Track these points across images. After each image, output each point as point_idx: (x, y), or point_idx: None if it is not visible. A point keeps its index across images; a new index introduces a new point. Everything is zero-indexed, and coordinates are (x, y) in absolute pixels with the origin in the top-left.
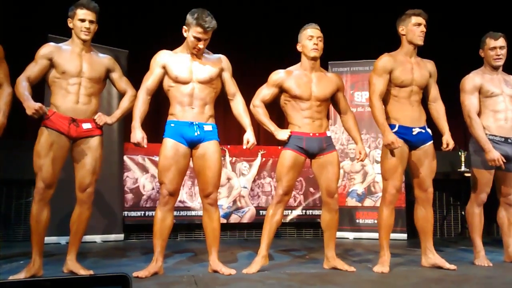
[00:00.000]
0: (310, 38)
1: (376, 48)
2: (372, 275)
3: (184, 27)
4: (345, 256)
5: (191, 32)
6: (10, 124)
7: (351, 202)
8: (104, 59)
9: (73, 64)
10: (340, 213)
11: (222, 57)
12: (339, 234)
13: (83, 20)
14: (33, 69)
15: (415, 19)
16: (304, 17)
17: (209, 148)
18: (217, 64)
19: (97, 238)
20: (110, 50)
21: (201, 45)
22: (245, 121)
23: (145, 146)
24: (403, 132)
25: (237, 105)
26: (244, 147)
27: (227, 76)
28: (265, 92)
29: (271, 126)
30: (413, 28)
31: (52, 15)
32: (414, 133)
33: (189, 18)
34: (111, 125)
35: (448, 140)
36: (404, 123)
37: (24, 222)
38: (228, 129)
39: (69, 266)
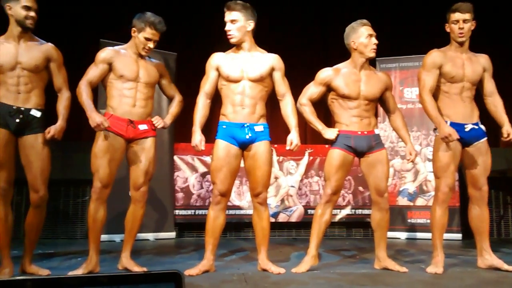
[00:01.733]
0: (369, 37)
1: (425, 43)
2: (425, 276)
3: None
4: (396, 257)
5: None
6: (67, 126)
7: (402, 201)
8: (157, 65)
9: (130, 69)
10: (391, 212)
11: (275, 56)
12: (390, 234)
13: (148, 39)
14: (94, 73)
15: (453, 16)
16: (350, 12)
17: (260, 148)
18: (268, 63)
19: (150, 236)
20: (158, 53)
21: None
22: (292, 122)
23: (203, 148)
24: (455, 129)
25: (286, 105)
26: (287, 147)
27: (279, 75)
28: (312, 90)
29: (318, 124)
30: (452, 26)
31: (104, 21)
32: (466, 129)
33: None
34: (167, 127)
35: (508, 130)
36: (455, 120)
37: (81, 220)
38: (275, 128)
39: (123, 263)
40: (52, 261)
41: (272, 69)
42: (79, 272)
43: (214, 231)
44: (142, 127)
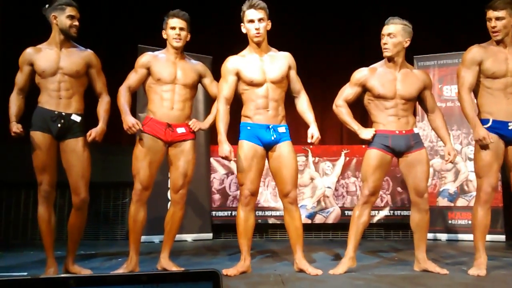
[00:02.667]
0: (383, 36)
1: (466, 39)
2: (467, 278)
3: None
4: (437, 259)
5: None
6: (107, 129)
7: (442, 202)
8: (196, 65)
9: (167, 71)
10: (431, 213)
11: (288, 54)
12: (431, 235)
13: (173, 28)
14: (133, 78)
15: (487, 13)
16: (386, 9)
17: (284, 149)
18: (286, 63)
19: (188, 237)
20: (194, 56)
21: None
22: (309, 117)
23: (233, 159)
24: (498, 127)
25: (302, 101)
26: (309, 141)
27: (294, 73)
28: (348, 91)
29: (354, 125)
30: (487, 23)
31: (141, 26)
32: (510, 127)
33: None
34: (205, 130)
35: None
36: (498, 117)
37: (121, 222)
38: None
39: (162, 264)
40: (94, 261)
41: (289, 68)
42: (119, 271)
43: (247, 232)
44: (180, 130)
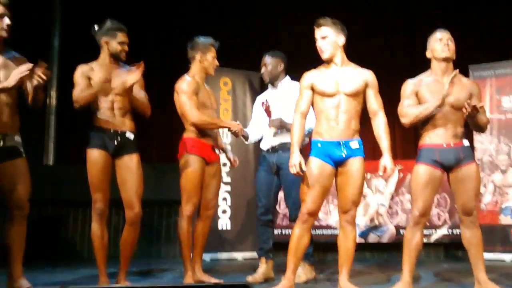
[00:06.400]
0: (439, 41)
1: None
2: None
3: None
4: (500, 280)
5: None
6: (160, 148)
7: (505, 220)
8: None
9: (208, 97)
10: (493, 232)
11: (368, 71)
12: (493, 256)
13: (215, 57)
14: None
15: None
16: (439, 17)
17: (354, 165)
18: (363, 78)
19: (238, 255)
20: (242, 73)
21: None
22: (384, 144)
23: (304, 169)
24: None
25: (379, 124)
26: (381, 173)
27: (372, 92)
28: (407, 103)
29: (430, 104)
30: None
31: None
32: None
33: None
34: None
35: None
36: None
37: (174, 239)
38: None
39: (198, 276)
40: (146, 279)
41: (366, 85)
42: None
43: (298, 250)
44: (217, 151)
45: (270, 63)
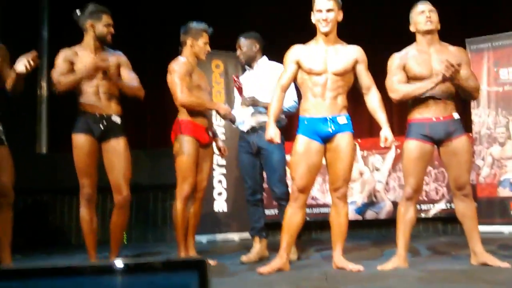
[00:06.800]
0: (421, 13)
1: None
2: None
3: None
4: (498, 252)
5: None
6: (156, 134)
7: (503, 192)
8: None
9: (204, 80)
10: (491, 204)
11: (357, 48)
12: (491, 228)
13: (206, 43)
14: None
15: None
16: None
17: (342, 141)
18: (352, 56)
19: (235, 235)
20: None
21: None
22: (381, 117)
23: (279, 141)
24: None
25: (372, 99)
26: (382, 145)
27: (362, 68)
28: (396, 78)
29: (427, 82)
30: None
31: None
32: None
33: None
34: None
35: None
36: None
37: (170, 223)
38: (357, 122)
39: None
40: None
41: (356, 62)
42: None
43: (290, 228)
44: (210, 133)
45: (244, 44)
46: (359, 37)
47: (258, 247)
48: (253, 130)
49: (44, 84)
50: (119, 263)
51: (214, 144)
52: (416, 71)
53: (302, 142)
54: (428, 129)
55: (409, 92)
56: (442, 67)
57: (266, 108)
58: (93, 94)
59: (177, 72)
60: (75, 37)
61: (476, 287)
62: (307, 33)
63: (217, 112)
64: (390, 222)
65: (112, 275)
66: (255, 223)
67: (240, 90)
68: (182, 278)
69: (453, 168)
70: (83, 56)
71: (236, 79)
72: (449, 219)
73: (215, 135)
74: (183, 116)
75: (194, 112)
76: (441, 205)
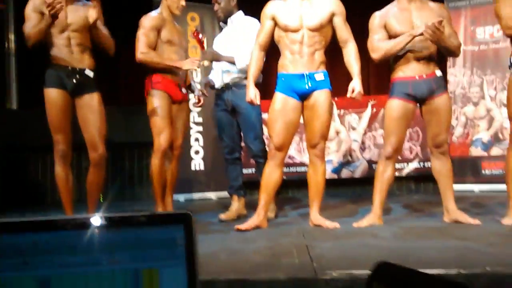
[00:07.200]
0: None
1: None
2: (501, 228)
3: None
4: (469, 209)
5: None
6: (128, 90)
7: (475, 151)
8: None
9: (173, 33)
10: (463, 164)
11: (334, 0)
12: (462, 187)
13: None
14: (149, 40)
15: None
16: None
17: (320, 97)
18: (328, 9)
19: (212, 195)
20: (212, 7)
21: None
22: (354, 69)
23: (258, 103)
24: None
25: (350, 52)
26: (349, 95)
27: (339, 20)
28: (377, 37)
29: (404, 36)
30: None
31: None
32: None
33: None
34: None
35: None
36: None
37: (146, 181)
38: (335, 80)
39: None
40: None
41: (332, 15)
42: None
43: (268, 186)
44: (184, 90)
45: None
46: None
47: (236, 205)
48: (226, 87)
49: (12, 37)
50: (103, 217)
51: (191, 100)
52: (397, 29)
53: (279, 100)
54: (411, 88)
55: (388, 48)
56: (423, 23)
57: (230, 62)
58: (65, 46)
59: (142, 27)
60: None
61: (449, 243)
62: None
63: (179, 69)
64: (364, 181)
65: (96, 229)
66: (233, 182)
67: (201, 44)
68: (167, 232)
69: (433, 125)
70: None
71: (196, 33)
72: (422, 178)
73: (192, 90)
74: (154, 71)
75: (161, 68)
76: (415, 164)
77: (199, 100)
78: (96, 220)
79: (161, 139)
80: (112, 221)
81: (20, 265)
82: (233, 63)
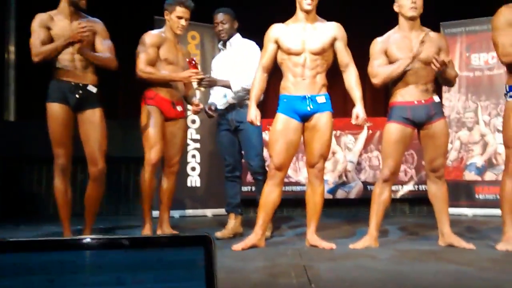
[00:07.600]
0: None
1: (495, 3)
2: (495, 253)
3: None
4: (463, 233)
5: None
6: (128, 105)
7: (469, 176)
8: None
9: (173, 53)
10: (457, 188)
11: (336, 25)
12: (456, 210)
13: (180, 18)
14: (148, 57)
15: None
16: None
17: (321, 119)
18: (330, 34)
19: (208, 212)
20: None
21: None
22: (356, 94)
23: (258, 124)
24: None
25: (350, 76)
26: (353, 122)
27: (341, 45)
28: (377, 63)
29: (401, 62)
30: None
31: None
32: None
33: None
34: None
35: None
36: None
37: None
38: (332, 101)
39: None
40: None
41: (334, 39)
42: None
43: (266, 206)
44: (179, 108)
45: (225, 20)
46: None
47: (232, 223)
48: (231, 107)
49: (12, 49)
50: (127, 238)
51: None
52: (397, 56)
53: (281, 120)
54: (410, 112)
55: (388, 73)
56: (424, 54)
57: (225, 86)
58: (69, 61)
59: (143, 44)
60: (43, 0)
61: (444, 267)
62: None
63: (180, 81)
64: (359, 202)
65: (120, 250)
66: (231, 199)
67: (195, 69)
68: (188, 254)
69: (430, 150)
70: (58, 21)
71: (191, 60)
72: (416, 201)
73: (189, 102)
74: (149, 87)
75: (158, 84)
76: (409, 187)
77: (197, 106)
78: (120, 241)
79: (151, 154)
80: (136, 242)
81: (46, 284)
82: (228, 87)
